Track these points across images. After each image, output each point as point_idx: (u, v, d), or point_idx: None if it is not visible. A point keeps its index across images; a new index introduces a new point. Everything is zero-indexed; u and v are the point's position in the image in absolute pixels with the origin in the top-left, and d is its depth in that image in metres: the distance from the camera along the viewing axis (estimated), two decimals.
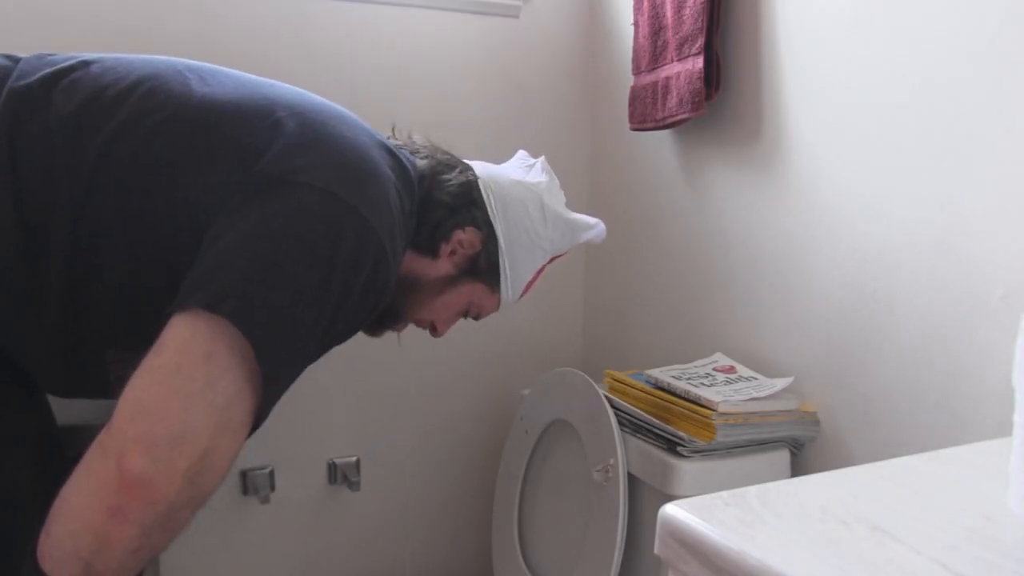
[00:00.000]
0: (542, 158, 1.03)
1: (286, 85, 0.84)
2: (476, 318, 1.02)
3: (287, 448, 1.37)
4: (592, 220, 1.04)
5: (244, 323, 0.64)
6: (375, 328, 0.98)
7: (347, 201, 0.71)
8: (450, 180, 0.91)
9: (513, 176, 0.98)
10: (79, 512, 0.62)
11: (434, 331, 1.00)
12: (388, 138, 0.93)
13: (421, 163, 0.91)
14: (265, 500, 1.34)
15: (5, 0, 1.13)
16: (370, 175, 0.76)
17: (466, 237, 0.92)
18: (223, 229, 0.69)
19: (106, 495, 0.61)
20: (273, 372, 0.67)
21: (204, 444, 0.63)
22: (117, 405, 0.62)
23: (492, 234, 0.94)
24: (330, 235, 0.70)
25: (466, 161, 0.97)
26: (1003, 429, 0.76)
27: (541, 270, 1.01)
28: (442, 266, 0.92)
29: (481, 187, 0.94)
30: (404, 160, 0.85)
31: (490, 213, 0.93)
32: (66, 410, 0.94)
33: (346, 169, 0.74)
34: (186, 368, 0.63)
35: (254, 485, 1.34)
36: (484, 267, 0.95)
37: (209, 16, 1.24)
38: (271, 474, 1.35)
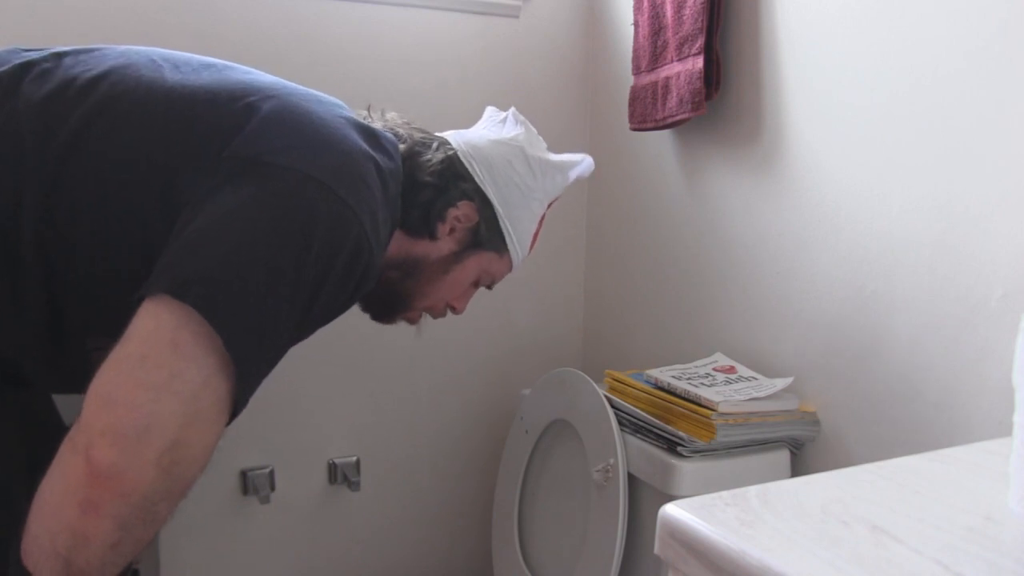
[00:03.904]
0: (512, 109, 1.02)
1: (262, 72, 0.84)
2: (489, 286, 1.01)
3: (287, 448, 1.37)
4: (577, 156, 1.02)
5: (209, 311, 0.63)
6: (386, 314, 0.96)
7: (323, 182, 0.70)
8: (430, 160, 0.90)
9: (490, 136, 0.97)
10: (53, 509, 0.61)
11: (453, 310, 0.99)
12: (365, 118, 0.92)
13: (401, 146, 0.89)
14: (265, 500, 1.34)
15: None
16: (346, 156, 0.75)
17: (461, 212, 0.91)
18: (195, 213, 0.68)
19: (77, 489, 0.60)
20: (244, 360, 0.65)
21: (173, 434, 0.61)
22: (85, 398, 0.62)
23: (486, 201, 0.93)
24: (304, 217, 0.69)
25: (439, 134, 0.96)
26: (1003, 429, 0.76)
27: (542, 219, 1.00)
28: (444, 245, 0.92)
29: (462, 158, 0.92)
30: (386, 142, 0.84)
31: (478, 181, 0.92)
32: (70, 410, 0.94)
33: (321, 150, 0.73)
34: (152, 358, 0.62)
35: (254, 485, 1.34)
36: (486, 235, 0.94)
37: (209, 16, 1.24)
38: (271, 474, 1.35)
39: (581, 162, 1.02)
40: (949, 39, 0.83)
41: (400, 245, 0.89)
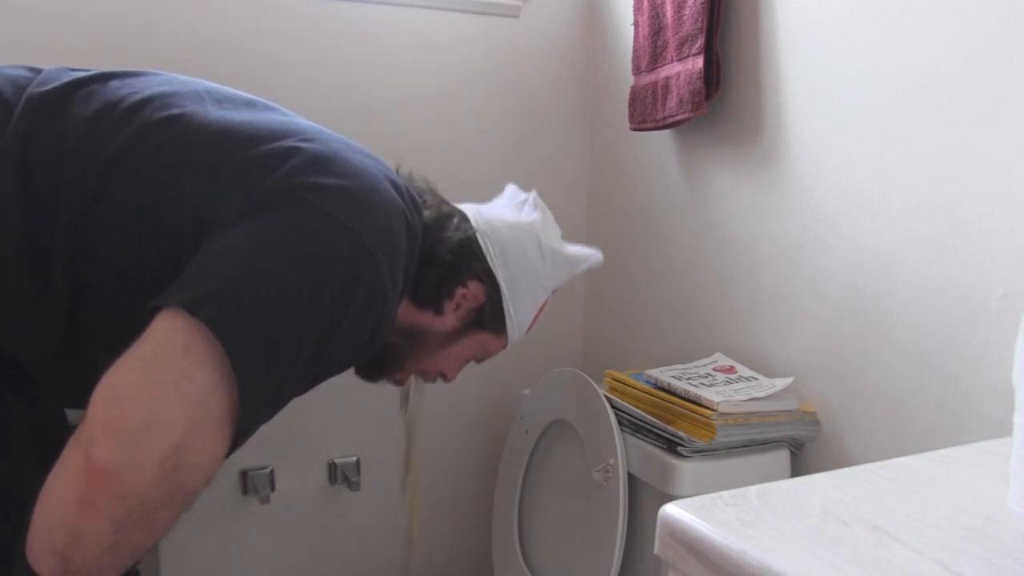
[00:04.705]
0: (533, 193, 1.02)
1: (299, 116, 0.85)
2: (480, 361, 1.02)
3: (287, 448, 1.37)
4: (588, 251, 1.04)
5: (220, 329, 0.63)
6: (374, 373, 0.97)
7: (349, 226, 0.71)
8: (450, 237, 0.90)
9: (507, 218, 0.97)
10: (53, 504, 0.61)
11: (445, 379, 1.01)
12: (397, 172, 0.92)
13: (426, 213, 0.90)
14: (265, 500, 1.34)
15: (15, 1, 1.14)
16: (377, 204, 0.76)
17: (469, 292, 0.92)
18: (222, 234, 0.69)
19: (75, 486, 0.60)
20: (249, 383, 0.65)
21: (177, 437, 0.61)
22: (93, 394, 0.62)
23: (494, 284, 0.94)
24: (325, 255, 0.70)
25: (458, 206, 0.96)
26: (1003, 429, 0.76)
27: (544, 305, 1.01)
28: (447, 321, 0.93)
29: (480, 238, 0.93)
30: (410, 202, 0.85)
31: (491, 264, 0.93)
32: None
33: (354, 195, 0.74)
34: (163, 357, 0.62)
35: (254, 485, 1.34)
36: (489, 317, 0.95)
37: (209, 15, 1.24)
38: (271, 474, 1.35)
39: (591, 257, 1.03)
40: (949, 39, 0.83)
41: (405, 313, 0.88)
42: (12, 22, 1.14)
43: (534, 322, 1.02)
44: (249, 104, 0.82)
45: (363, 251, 0.72)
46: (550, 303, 1.53)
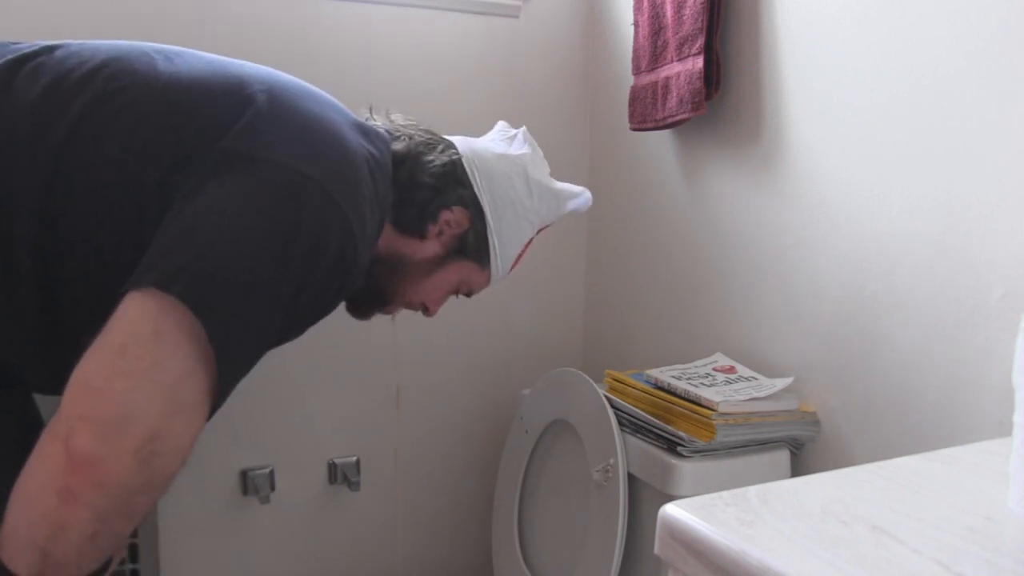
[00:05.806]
0: (523, 128, 1.01)
1: (256, 64, 0.83)
2: (468, 295, 1.01)
3: (287, 448, 1.37)
4: (577, 188, 1.02)
5: (194, 303, 0.63)
6: (364, 310, 0.97)
7: (312, 178, 0.70)
8: (432, 161, 0.90)
9: (496, 149, 0.97)
10: (31, 498, 0.61)
11: (426, 311, 0.99)
12: (366, 119, 0.91)
13: (398, 145, 0.89)
14: (265, 500, 1.34)
15: None
16: (338, 153, 0.75)
17: (453, 216, 0.91)
18: (184, 205, 0.68)
19: (56, 477, 0.60)
20: (226, 353, 0.65)
21: (153, 424, 0.61)
22: (67, 386, 0.61)
23: (479, 211, 0.93)
24: (290, 212, 0.69)
25: (447, 137, 0.95)
26: (1003, 429, 0.76)
27: (529, 242, 1.00)
28: (430, 247, 0.92)
29: (465, 164, 0.92)
30: (376, 138, 0.84)
31: (476, 190, 0.92)
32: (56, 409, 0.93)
33: (313, 146, 0.73)
34: (132, 347, 0.62)
35: (254, 485, 1.33)
36: (472, 245, 0.94)
37: (210, 13, 1.24)
38: (271, 474, 1.35)
39: (580, 195, 1.02)
40: (949, 39, 0.83)
41: (388, 241, 0.89)
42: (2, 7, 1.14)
43: (518, 261, 1.00)
44: (199, 57, 0.81)
45: (329, 202, 0.71)
46: (552, 298, 1.53)
